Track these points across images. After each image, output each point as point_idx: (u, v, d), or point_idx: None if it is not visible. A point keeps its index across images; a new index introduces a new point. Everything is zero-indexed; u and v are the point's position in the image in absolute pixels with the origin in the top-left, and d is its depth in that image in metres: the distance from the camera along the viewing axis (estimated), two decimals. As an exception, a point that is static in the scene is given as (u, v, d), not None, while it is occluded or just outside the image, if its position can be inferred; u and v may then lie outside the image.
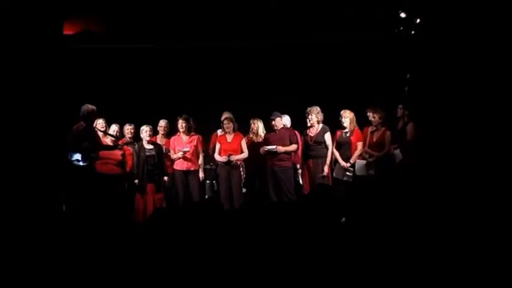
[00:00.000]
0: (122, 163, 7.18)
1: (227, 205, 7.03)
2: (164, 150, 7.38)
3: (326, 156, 7.09)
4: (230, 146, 7.34)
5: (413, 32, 6.71)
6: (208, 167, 7.70)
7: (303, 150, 7.28)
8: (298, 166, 7.37)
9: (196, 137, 7.50)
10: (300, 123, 7.52)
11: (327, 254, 3.08)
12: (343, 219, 3.56)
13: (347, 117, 7.11)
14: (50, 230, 3.85)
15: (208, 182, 7.77)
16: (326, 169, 7.05)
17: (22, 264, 3.29)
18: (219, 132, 7.66)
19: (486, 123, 5.72)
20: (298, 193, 7.15)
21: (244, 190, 7.48)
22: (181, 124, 7.39)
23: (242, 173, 7.41)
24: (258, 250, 3.13)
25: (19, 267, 3.26)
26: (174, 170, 7.40)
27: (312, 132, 7.19)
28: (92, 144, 6.59)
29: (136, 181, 7.16)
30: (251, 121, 7.58)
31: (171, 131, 7.68)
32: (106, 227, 3.83)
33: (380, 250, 3.08)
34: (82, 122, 6.58)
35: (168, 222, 3.39)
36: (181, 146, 7.35)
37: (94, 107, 6.65)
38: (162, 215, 3.50)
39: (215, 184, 7.65)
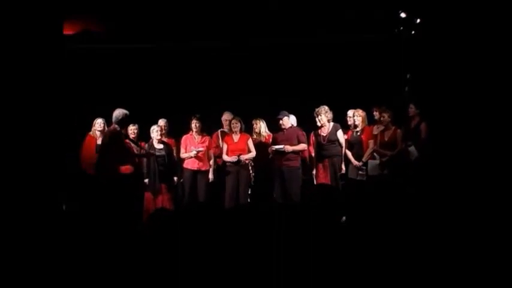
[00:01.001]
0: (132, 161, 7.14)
1: (232, 204, 7.01)
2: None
3: (341, 154, 7.09)
4: (237, 146, 7.34)
5: (413, 32, 6.71)
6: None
7: (316, 150, 7.25)
8: (312, 161, 7.30)
9: (208, 137, 7.50)
10: (299, 123, 7.51)
11: (327, 254, 3.08)
12: (343, 218, 3.55)
13: (359, 116, 7.09)
14: (50, 230, 3.85)
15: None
16: (343, 167, 7.06)
17: (22, 264, 3.29)
18: (225, 130, 7.64)
19: (486, 122, 5.73)
20: (307, 193, 7.07)
21: (250, 191, 7.46)
22: (195, 124, 7.37)
23: (251, 172, 7.40)
24: (258, 250, 3.13)
25: (19, 267, 3.26)
26: (183, 169, 7.39)
27: (324, 131, 7.15)
28: (125, 151, 6.57)
29: (146, 180, 7.12)
30: (253, 121, 7.57)
31: (171, 130, 7.67)
32: (109, 227, 3.83)
33: (387, 250, 3.07)
34: (116, 126, 6.47)
35: (168, 222, 3.39)
36: (194, 145, 7.34)
37: (127, 112, 6.52)
38: (162, 215, 3.49)
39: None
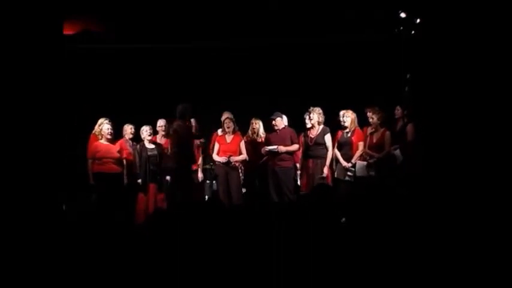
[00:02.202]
0: (120, 161, 7.15)
1: (226, 204, 7.01)
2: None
3: (326, 157, 7.07)
4: (229, 147, 7.32)
5: (413, 32, 6.71)
6: (208, 167, 7.69)
7: (302, 151, 7.26)
8: (298, 166, 7.36)
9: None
10: (299, 123, 7.51)
11: (327, 254, 3.08)
12: (343, 219, 3.56)
13: (349, 117, 7.08)
14: (50, 230, 3.85)
15: (208, 182, 7.76)
16: (326, 170, 7.01)
17: (22, 264, 3.29)
18: (219, 132, 7.63)
19: (486, 123, 5.73)
20: (297, 193, 7.13)
21: (244, 190, 7.46)
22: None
23: (241, 175, 7.39)
24: (257, 250, 3.13)
25: (19, 267, 3.26)
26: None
27: (313, 133, 7.16)
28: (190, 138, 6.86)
29: (139, 181, 7.14)
30: (252, 120, 7.57)
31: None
32: (106, 227, 3.83)
33: (380, 250, 3.08)
34: (179, 121, 6.72)
35: (168, 222, 3.39)
36: None
37: (188, 105, 6.80)
38: (162, 215, 3.50)
39: (214, 184, 7.63)
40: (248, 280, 3.02)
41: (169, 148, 6.98)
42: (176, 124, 6.73)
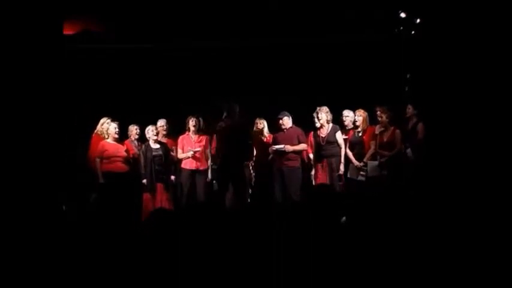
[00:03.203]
0: (128, 160, 7.16)
1: (233, 203, 6.98)
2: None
3: (340, 155, 7.06)
4: None
5: (413, 32, 6.72)
6: (214, 167, 7.67)
7: (314, 151, 7.25)
8: (312, 162, 7.30)
9: (205, 136, 7.44)
10: (300, 123, 7.50)
11: (327, 254, 3.08)
12: (343, 218, 3.55)
13: (360, 116, 7.09)
14: (50, 230, 3.85)
15: (214, 182, 7.73)
16: (342, 167, 7.03)
17: (22, 264, 3.29)
18: None
19: (485, 123, 5.74)
20: (306, 193, 7.06)
21: (249, 191, 7.44)
22: (194, 123, 7.34)
23: (251, 172, 7.39)
24: (258, 250, 3.13)
25: (19, 267, 3.26)
26: (181, 169, 7.37)
27: (323, 132, 7.15)
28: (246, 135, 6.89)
29: (144, 181, 7.14)
30: (257, 120, 7.56)
31: (172, 130, 7.66)
32: (110, 226, 3.83)
33: (382, 251, 3.07)
34: (238, 121, 6.72)
35: (168, 222, 3.39)
36: (192, 145, 7.30)
37: (233, 104, 6.78)
38: (162, 215, 3.50)
39: (215, 184, 7.61)
40: (248, 280, 3.02)
41: (215, 146, 6.93)
42: (232, 121, 6.71)
